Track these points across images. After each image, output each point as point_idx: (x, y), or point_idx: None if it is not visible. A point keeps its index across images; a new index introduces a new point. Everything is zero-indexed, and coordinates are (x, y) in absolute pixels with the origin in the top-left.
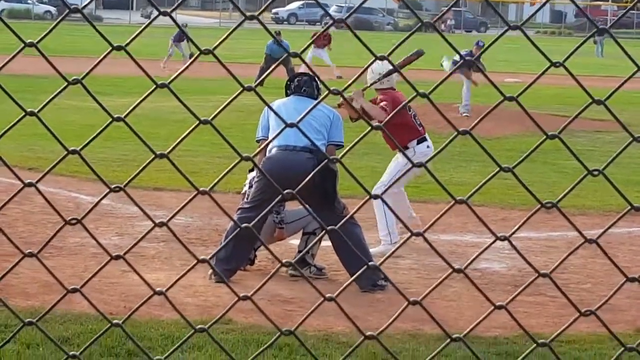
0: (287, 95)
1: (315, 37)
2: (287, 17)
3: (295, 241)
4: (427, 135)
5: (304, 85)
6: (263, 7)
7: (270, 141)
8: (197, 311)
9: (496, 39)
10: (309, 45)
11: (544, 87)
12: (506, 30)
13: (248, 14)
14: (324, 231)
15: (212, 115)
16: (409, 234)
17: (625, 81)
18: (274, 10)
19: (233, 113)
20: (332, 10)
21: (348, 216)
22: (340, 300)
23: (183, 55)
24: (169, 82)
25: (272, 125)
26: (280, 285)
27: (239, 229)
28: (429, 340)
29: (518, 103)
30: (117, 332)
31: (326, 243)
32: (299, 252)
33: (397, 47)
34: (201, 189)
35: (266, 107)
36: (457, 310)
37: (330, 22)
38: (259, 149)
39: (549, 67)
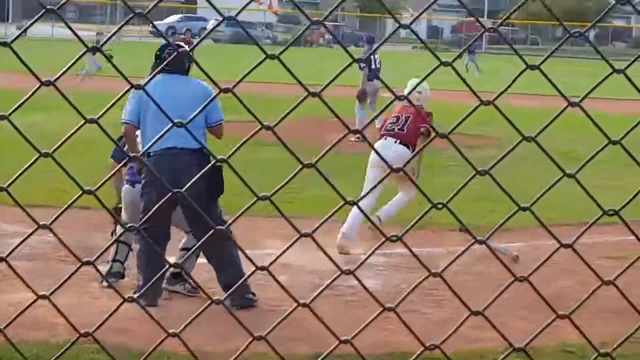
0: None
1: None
2: (165, 30)
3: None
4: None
5: (172, 61)
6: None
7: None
8: (67, 330)
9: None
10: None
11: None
12: (380, 45)
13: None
14: (196, 246)
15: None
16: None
17: (502, 93)
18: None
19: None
20: (210, 24)
21: (227, 224)
22: (209, 317)
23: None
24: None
25: (148, 114)
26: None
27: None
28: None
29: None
30: None
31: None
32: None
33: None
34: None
35: (134, 90)
36: (332, 327)
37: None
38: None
39: (435, 68)
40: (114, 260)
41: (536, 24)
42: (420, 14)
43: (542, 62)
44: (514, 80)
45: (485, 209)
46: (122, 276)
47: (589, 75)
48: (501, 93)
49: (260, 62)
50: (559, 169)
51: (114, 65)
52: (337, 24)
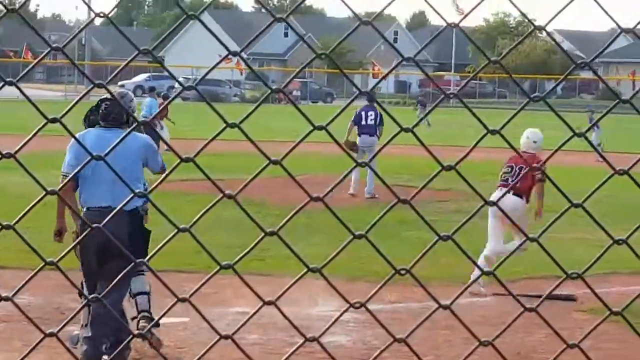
0: (90, 122)
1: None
2: (133, 90)
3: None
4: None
5: (112, 113)
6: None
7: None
8: None
9: (341, 110)
10: (155, 116)
11: (394, 157)
12: (352, 100)
13: (97, 82)
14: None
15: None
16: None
17: (472, 148)
18: (120, 83)
19: None
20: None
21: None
22: None
23: None
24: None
25: (83, 170)
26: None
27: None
28: None
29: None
30: None
31: (177, 319)
32: (143, 311)
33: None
34: (48, 259)
35: (73, 141)
36: None
37: (179, 90)
38: (62, 185)
39: (396, 134)
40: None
41: (504, 78)
42: (390, 71)
43: (502, 127)
44: (473, 147)
45: (453, 262)
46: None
47: (554, 128)
48: (462, 159)
49: (220, 131)
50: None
51: (63, 125)
52: (304, 80)
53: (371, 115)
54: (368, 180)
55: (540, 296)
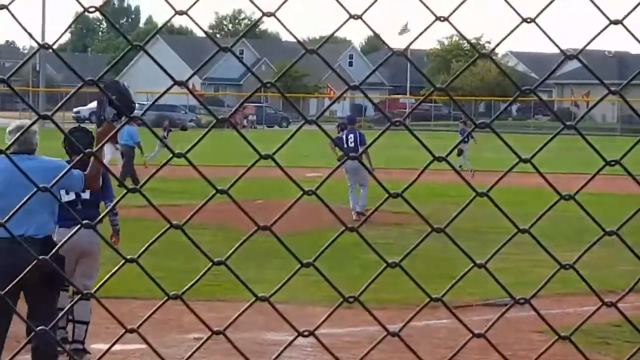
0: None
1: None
2: (88, 116)
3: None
4: None
5: (21, 141)
6: (58, 106)
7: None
8: None
9: (292, 135)
10: (107, 141)
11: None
12: (303, 124)
13: (43, 113)
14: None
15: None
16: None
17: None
18: (75, 109)
19: None
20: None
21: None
22: None
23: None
24: None
25: None
26: None
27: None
28: None
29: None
30: None
31: (132, 346)
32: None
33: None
34: None
35: None
36: None
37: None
38: None
39: (344, 161)
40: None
41: (459, 100)
42: (337, 98)
43: (448, 154)
44: (420, 174)
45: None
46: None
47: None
48: (410, 184)
49: (167, 162)
50: (466, 255)
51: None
52: (260, 104)
53: (351, 138)
54: (361, 197)
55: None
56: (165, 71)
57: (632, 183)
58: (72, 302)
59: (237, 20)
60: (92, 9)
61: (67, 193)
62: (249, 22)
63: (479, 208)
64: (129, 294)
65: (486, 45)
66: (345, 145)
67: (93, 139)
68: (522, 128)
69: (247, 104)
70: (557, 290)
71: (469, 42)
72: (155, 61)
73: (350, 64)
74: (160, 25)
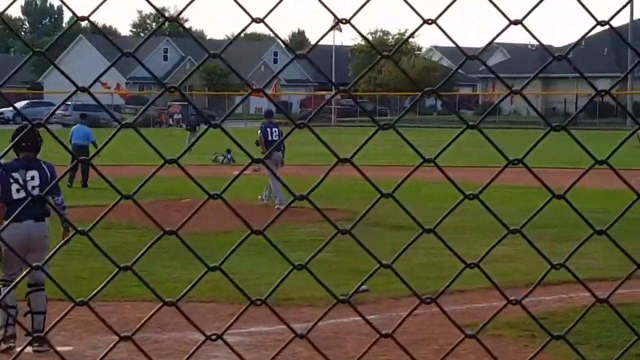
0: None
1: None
2: (12, 117)
3: None
4: None
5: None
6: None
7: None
8: None
9: (202, 134)
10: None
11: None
12: (211, 126)
13: None
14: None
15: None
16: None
17: (330, 169)
18: None
19: None
20: (60, 109)
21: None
22: None
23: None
24: None
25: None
26: None
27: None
28: None
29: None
30: None
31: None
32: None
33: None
34: None
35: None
36: None
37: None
38: None
39: (246, 162)
40: (6, 325)
41: (385, 95)
42: (247, 96)
43: (352, 155)
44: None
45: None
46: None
47: (436, 144)
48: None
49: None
50: (371, 255)
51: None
52: (184, 103)
53: (275, 131)
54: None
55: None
56: (68, 78)
57: (555, 178)
58: (28, 293)
59: (159, 19)
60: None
61: (17, 191)
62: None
63: (414, 204)
64: (55, 297)
65: (412, 40)
66: (270, 138)
67: (40, 136)
68: (449, 122)
69: (172, 103)
70: (482, 284)
71: (369, 42)
72: (59, 70)
73: (275, 61)
74: (82, 26)
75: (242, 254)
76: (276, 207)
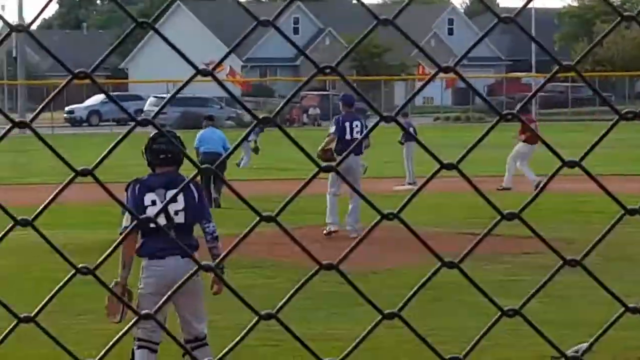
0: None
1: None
2: (87, 117)
3: None
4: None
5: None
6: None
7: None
8: None
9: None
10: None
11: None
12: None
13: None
14: None
15: None
16: None
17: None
18: (67, 109)
19: None
20: (148, 103)
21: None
22: None
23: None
24: None
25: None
26: None
27: None
28: None
29: None
30: None
31: None
32: None
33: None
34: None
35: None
36: None
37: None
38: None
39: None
40: None
41: (607, 76)
42: (432, 77)
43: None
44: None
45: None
46: None
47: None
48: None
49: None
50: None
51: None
52: (326, 93)
53: (356, 126)
54: (352, 211)
55: None
56: (183, 55)
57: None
58: (185, 353)
59: None
60: None
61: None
62: None
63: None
64: None
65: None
66: (349, 137)
67: (182, 144)
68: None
69: (307, 93)
70: None
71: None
72: (168, 42)
73: (451, 32)
74: None
75: None
76: (351, 235)
